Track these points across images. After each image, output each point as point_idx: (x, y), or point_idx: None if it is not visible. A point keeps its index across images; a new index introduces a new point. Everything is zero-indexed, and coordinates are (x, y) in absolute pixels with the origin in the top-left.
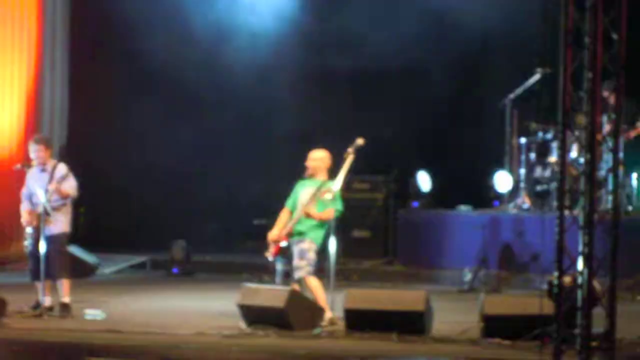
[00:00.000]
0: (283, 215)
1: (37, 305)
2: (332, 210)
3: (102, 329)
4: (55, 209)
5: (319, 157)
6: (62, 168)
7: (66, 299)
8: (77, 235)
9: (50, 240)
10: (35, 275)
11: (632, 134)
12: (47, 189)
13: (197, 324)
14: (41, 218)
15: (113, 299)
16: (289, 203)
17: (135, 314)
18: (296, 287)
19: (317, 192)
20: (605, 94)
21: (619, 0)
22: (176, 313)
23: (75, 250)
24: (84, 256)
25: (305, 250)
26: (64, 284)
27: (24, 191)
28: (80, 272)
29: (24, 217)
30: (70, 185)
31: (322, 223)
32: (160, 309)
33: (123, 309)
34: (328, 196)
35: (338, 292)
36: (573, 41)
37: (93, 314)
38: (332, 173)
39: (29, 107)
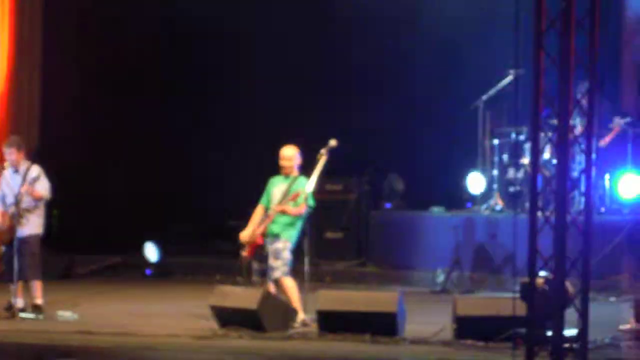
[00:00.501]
0: (257, 213)
1: (10, 307)
2: (304, 205)
3: (75, 330)
4: (27, 210)
5: (292, 156)
6: (35, 170)
7: (39, 301)
8: (50, 236)
9: (22, 241)
10: (9, 277)
11: (607, 139)
12: (20, 191)
13: (170, 325)
14: (14, 220)
15: (86, 300)
16: (263, 200)
17: (107, 316)
18: (272, 287)
19: (289, 195)
20: (578, 96)
21: (592, 0)
22: (149, 314)
23: (47, 251)
24: (56, 258)
25: (280, 250)
26: (37, 286)
27: None
28: (52, 273)
29: None
30: (44, 187)
31: (296, 222)
32: (133, 310)
33: (96, 310)
34: (300, 199)
35: (311, 293)
36: (546, 42)
37: (65, 315)
38: (305, 173)
39: (1, 109)
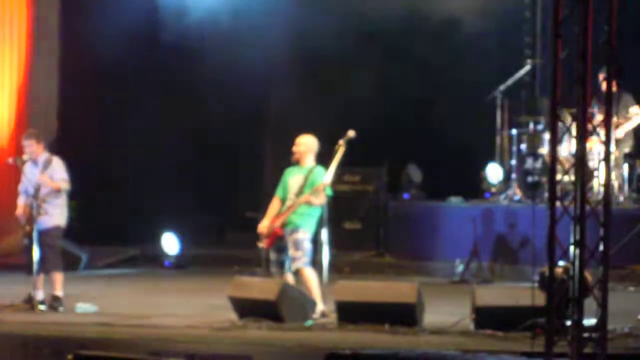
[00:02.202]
0: (273, 204)
1: (30, 299)
2: (324, 195)
3: (94, 322)
4: (46, 201)
5: (303, 142)
6: (53, 160)
7: (58, 293)
8: (68, 228)
9: (43, 233)
10: (30, 269)
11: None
12: (37, 182)
13: (189, 317)
14: (34, 212)
15: (104, 292)
16: (278, 191)
17: (126, 307)
18: (289, 277)
19: (309, 188)
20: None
21: None
22: (167, 306)
23: (65, 243)
24: (74, 250)
25: (301, 241)
26: (57, 278)
27: (21, 186)
28: (71, 265)
29: (19, 211)
30: (61, 178)
31: (315, 212)
32: (151, 302)
33: (114, 302)
34: (319, 192)
35: (329, 284)
36: (563, 31)
37: (85, 307)
38: (323, 164)
39: (19, 101)
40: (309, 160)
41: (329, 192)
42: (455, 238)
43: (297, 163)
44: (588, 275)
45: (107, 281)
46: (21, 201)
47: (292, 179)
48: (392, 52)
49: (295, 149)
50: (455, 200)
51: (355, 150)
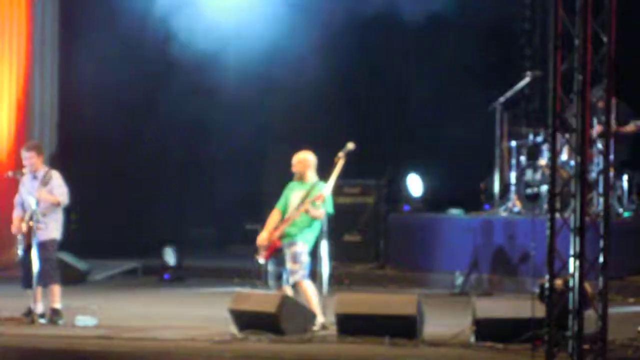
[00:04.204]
0: (273, 217)
1: (29, 312)
2: (322, 210)
3: (94, 335)
4: (45, 215)
5: (299, 160)
6: (52, 175)
7: (57, 305)
8: (68, 241)
9: (40, 246)
10: (27, 282)
11: (629, 128)
12: (37, 196)
13: (189, 330)
14: (32, 225)
15: (104, 305)
16: (279, 204)
17: (126, 320)
18: (288, 290)
19: (309, 198)
20: (594, 99)
21: (609, 1)
22: (168, 319)
23: (66, 256)
24: (74, 262)
25: (299, 254)
26: (55, 290)
27: (17, 198)
28: (71, 278)
29: (15, 225)
30: (61, 192)
31: (314, 225)
32: (151, 314)
33: (114, 315)
34: (319, 202)
35: (329, 296)
36: (563, 44)
37: (84, 320)
38: (323, 176)
39: (19, 113)
40: (311, 176)
41: (330, 209)
42: (455, 250)
43: (299, 179)
44: (588, 286)
45: (107, 294)
46: (17, 214)
47: (294, 193)
48: (392, 63)
49: (293, 168)
50: (455, 212)
51: (355, 161)
